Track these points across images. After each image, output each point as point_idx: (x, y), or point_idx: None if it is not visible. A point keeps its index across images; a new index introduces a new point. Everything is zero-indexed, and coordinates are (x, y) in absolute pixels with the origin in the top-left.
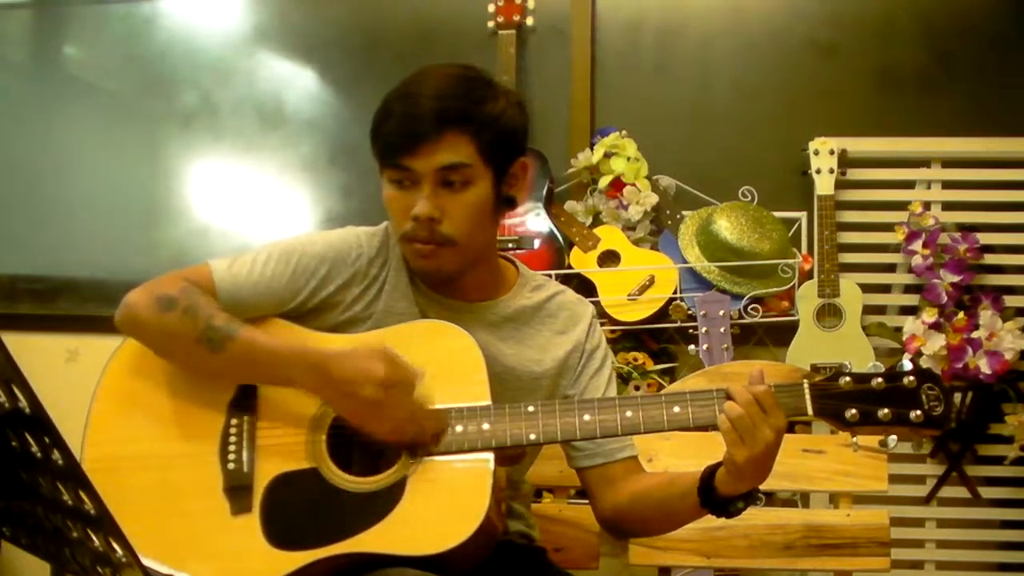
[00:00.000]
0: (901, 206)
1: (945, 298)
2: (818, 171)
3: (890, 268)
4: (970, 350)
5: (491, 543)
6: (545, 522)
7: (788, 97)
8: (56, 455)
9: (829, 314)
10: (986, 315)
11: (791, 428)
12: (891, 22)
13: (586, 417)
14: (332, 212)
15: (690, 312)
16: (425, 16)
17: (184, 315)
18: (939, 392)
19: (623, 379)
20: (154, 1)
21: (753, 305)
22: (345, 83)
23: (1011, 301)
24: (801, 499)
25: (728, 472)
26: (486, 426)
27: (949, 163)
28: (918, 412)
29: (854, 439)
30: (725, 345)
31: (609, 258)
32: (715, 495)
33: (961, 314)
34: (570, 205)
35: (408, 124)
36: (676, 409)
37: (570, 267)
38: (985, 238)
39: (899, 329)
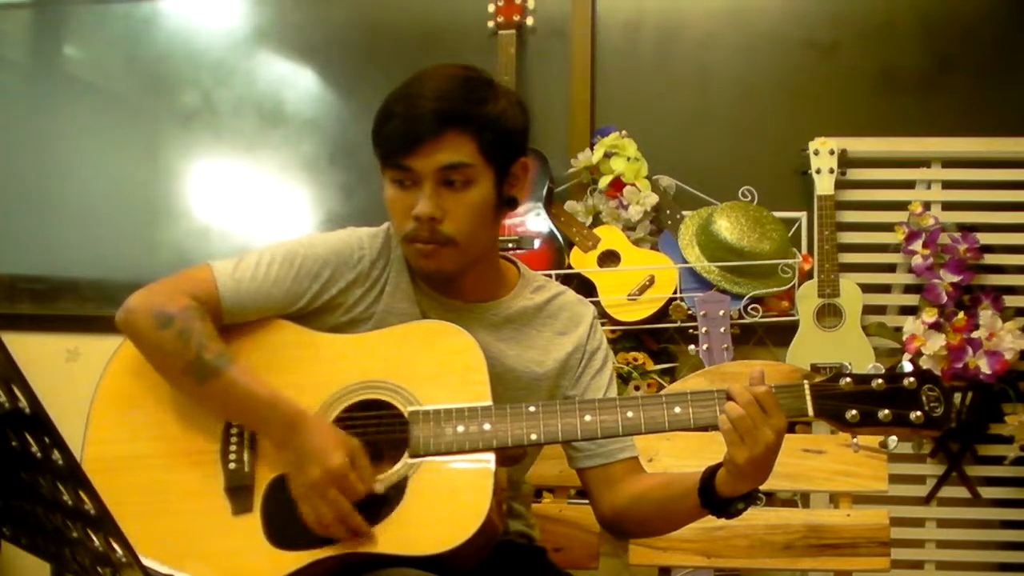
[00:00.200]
0: (901, 206)
1: (945, 298)
2: (818, 171)
3: (890, 268)
4: (970, 350)
5: (491, 543)
6: (545, 522)
7: (788, 97)
8: (56, 455)
9: (829, 314)
10: (986, 315)
11: (791, 428)
12: (891, 22)
13: (587, 417)
14: (332, 212)
15: (690, 312)
16: (425, 16)
17: (178, 338)
18: (939, 393)
19: (623, 379)
20: (154, 1)
21: (753, 305)
22: (345, 83)
23: (1011, 301)
24: (801, 499)
25: (728, 473)
26: (487, 426)
27: (949, 163)
28: (918, 413)
29: (854, 439)
30: (725, 345)
31: (609, 258)
32: (715, 496)
33: (961, 314)
34: (570, 205)
35: (409, 124)
36: (677, 409)
37: (570, 267)
38: (985, 238)
39: (899, 329)
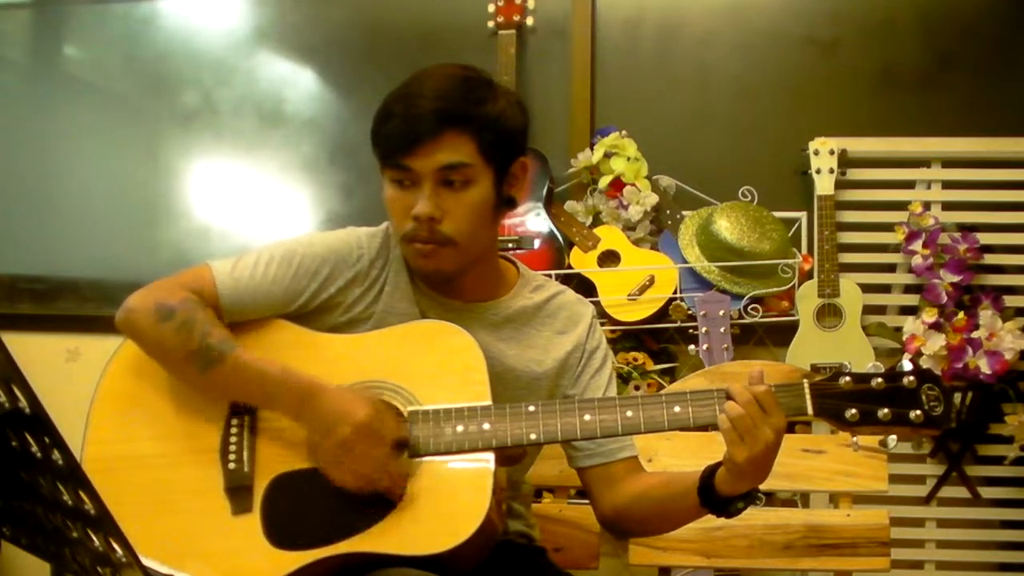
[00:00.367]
0: (901, 206)
1: (945, 298)
2: (818, 171)
3: (890, 268)
4: (970, 350)
5: (491, 543)
6: (545, 522)
7: (788, 97)
8: (56, 455)
9: (829, 314)
10: (986, 315)
11: (791, 428)
12: (891, 21)
13: (587, 417)
14: (332, 212)
15: (690, 312)
16: (425, 16)
17: (180, 328)
18: (939, 392)
19: (623, 379)
20: (154, 1)
21: (753, 305)
22: (345, 83)
23: (1011, 301)
24: (801, 499)
25: (728, 472)
26: (486, 426)
27: (949, 163)
28: (918, 412)
29: (854, 439)
30: (725, 345)
31: (609, 258)
32: (715, 495)
33: (961, 314)
34: (570, 205)
35: (408, 124)
36: (676, 409)
37: (570, 267)
38: (985, 238)
39: (899, 329)
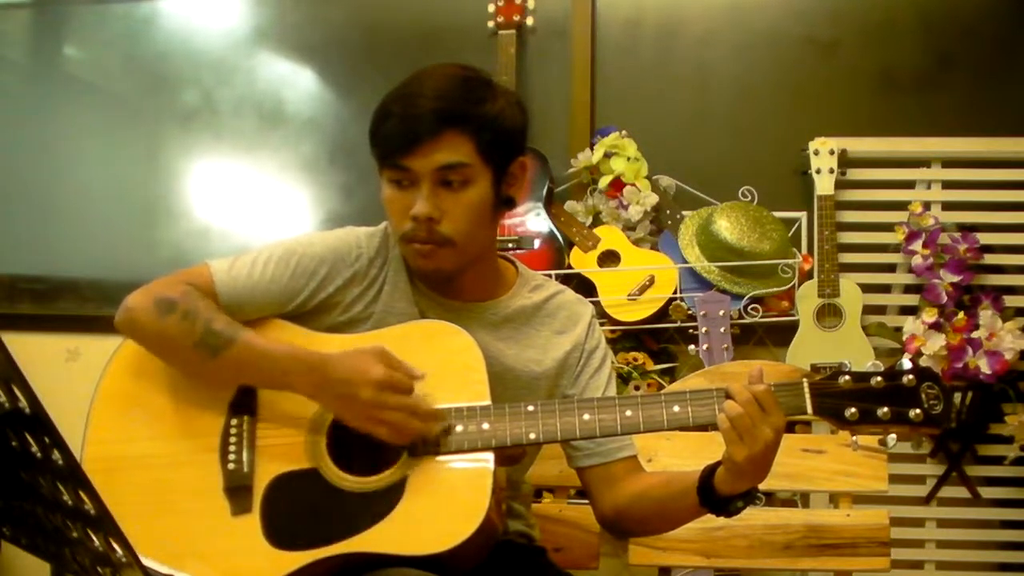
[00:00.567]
0: (901, 206)
1: (945, 298)
2: (818, 171)
3: (890, 268)
4: (970, 350)
5: (491, 543)
6: (545, 522)
7: (788, 97)
8: (56, 455)
9: (829, 314)
10: (986, 315)
11: (791, 427)
12: (891, 22)
13: (586, 416)
14: (332, 212)
15: (690, 312)
16: (425, 16)
17: (183, 319)
18: (938, 391)
19: (623, 379)
20: (154, 1)
21: (753, 305)
22: (345, 83)
23: (1011, 301)
24: (801, 499)
25: (727, 471)
26: (486, 426)
27: (949, 163)
28: (917, 411)
29: (854, 438)
30: (725, 345)
31: (609, 258)
32: (714, 494)
33: (961, 314)
34: (570, 205)
35: (407, 124)
36: (676, 408)
37: (570, 267)
38: (985, 238)
39: (899, 329)
